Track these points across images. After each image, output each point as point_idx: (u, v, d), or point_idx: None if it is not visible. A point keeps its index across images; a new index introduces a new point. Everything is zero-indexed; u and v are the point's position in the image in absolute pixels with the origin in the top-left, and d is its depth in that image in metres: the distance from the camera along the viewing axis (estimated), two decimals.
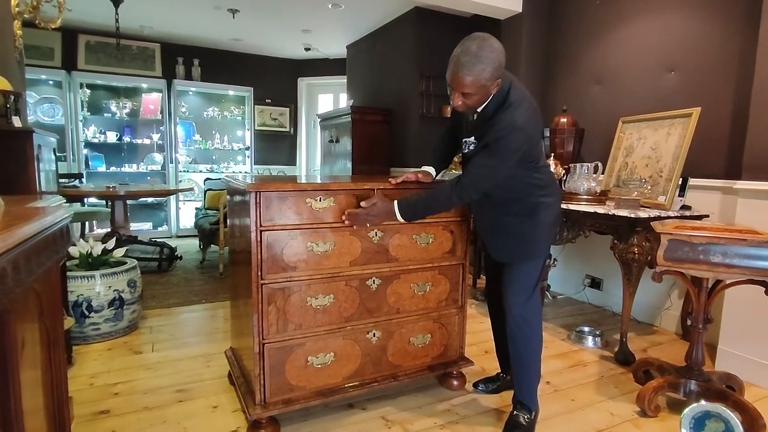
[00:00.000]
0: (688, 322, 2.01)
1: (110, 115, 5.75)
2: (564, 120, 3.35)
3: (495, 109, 1.58)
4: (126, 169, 5.86)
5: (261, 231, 1.60)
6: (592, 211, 2.55)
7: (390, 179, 1.82)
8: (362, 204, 1.69)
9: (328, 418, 1.87)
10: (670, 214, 2.46)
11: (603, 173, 3.00)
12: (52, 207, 1.32)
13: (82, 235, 5.08)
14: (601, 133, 3.33)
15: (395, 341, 1.94)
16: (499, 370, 2.16)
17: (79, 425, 1.76)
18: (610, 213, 2.45)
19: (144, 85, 5.88)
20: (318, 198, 1.68)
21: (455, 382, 2.12)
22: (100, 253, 2.63)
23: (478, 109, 1.63)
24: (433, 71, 4.53)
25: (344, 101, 6.15)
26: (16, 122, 2.01)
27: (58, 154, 5.50)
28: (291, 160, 6.96)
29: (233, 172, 6.29)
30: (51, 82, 5.50)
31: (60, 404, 1.37)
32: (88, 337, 2.53)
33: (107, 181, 5.34)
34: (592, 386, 2.21)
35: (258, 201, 1.58)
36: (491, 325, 2.14)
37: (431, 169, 1.91)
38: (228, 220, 2.13)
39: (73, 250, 2.64)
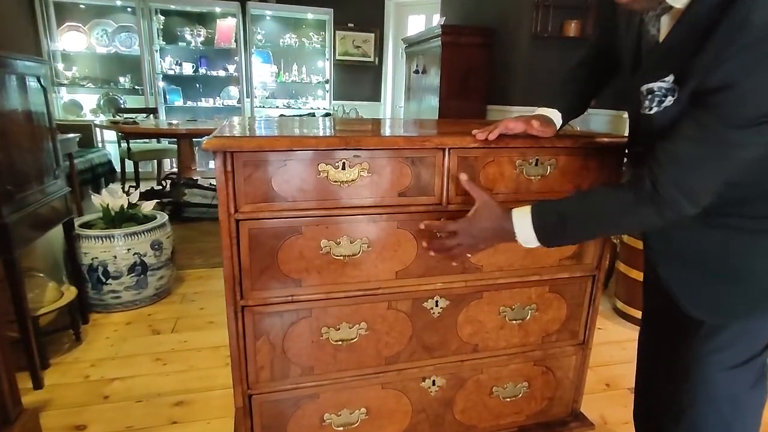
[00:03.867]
0: None
1: (185, 44, 5.38)
2: None
3: (720, 4, 0.66)
4: (203, 103, 5.56)
5: (238, 221, 0.92)
6: None
7: (474, 131, 1.01)
8: (450, 228, 0.95)
9: None
10: None
11: None
12: None
13: (159, 175, 4.93)
14: None
15: (468, 392, 1.22)
16: None
17: None
18: None
19: (218, 10, 5.38)
20: (339, 163, 0.94)
21: None
22: (118, 210, 2.19)
23: (675, 3, 0.72)
24: None
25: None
26: None
27: (135, 87, 5.36)
28: (375, 96, 6.19)
29: (311, 109, 5.72)
30: (129, 9, 5.21)
31: None
32: (108, 305, 2.16)
33: (185, 117, 5.09)
34: None
35: (229, 168, 0.89)
36: (637, 366, 1.29)
37: (553, 114, 1.05)
38: None
39: (96, 201, 2.24)
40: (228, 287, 0.95)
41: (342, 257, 1.00)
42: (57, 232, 1.98)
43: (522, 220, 0.88)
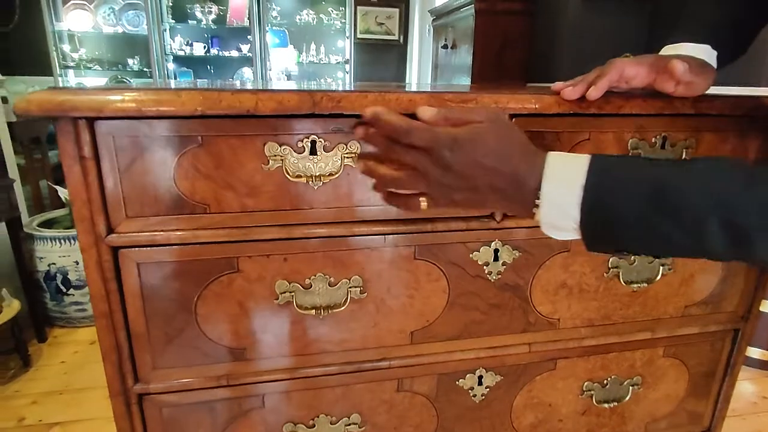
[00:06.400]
0: None
1: (195, 22, 5.01)
2: None
3: None
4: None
5: (116, 250, 0.50)
6: None
7: (558, 85, 0.55)
8: (417, 137, 0.41)
9: None
10: None
11: None
12: None
13: None
14: None
15: None
16: None
17: None
18: None
19: None
20: (304, 143, 0.50)
21: None
22: None
23: None
24: None
25: None
26: None
27: (144, 69, 5.05)
28: (399, 77, 5.70)
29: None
30: None
31: None
32: (72, 319, 1.81)
33: None
34: None
35: (87, 153, 0.46)
36: None
37: (703, 54, 0.57)
38: None
39: (61, 194, 1.88)
40: (108, 365, 0.53)
41: (314, 310, 0.56)
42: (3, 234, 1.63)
43: (562, 174, 0.40)
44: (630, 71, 0.53)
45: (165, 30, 4.97)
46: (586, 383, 0.71)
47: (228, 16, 5.11)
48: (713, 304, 0.71)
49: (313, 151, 0.51)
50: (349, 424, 0.63)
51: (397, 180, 0.44)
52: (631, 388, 0.73)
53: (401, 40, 5.63)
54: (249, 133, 0.49)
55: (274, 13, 5.22)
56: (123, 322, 0.52)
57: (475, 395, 0.67)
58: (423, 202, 0.44)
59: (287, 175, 0.51)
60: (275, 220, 0.52)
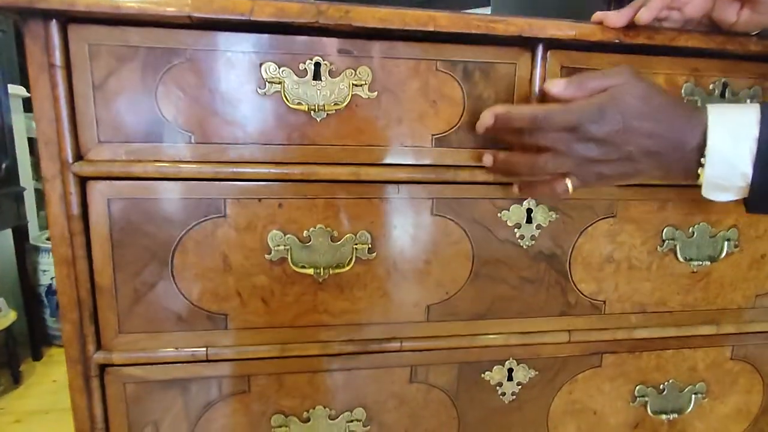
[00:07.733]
0: None
1: None
2: None
3: None
4: None
5: (84, 180, 0.43)
6: None
7: (600, 15, 0.48)
8: (555, 119, 0.39)
9: None
10: None
11: None
12: None
13: None
14: None
15: None
16: None
17: None
18: None
19: None
20: (307, 64, 0.44)
21: None
22: None
23: None
24: None
25: None
26: None
27: None
28: None
29: None
30: None
31: None
32: None
33: None
34: None
35: (57, 60, 0.40)
36: None
37: None
38: None
39: None
40: (67, 325, 0.45)
41: (313, 271, 0.48)
42: (7, 244, 1.59)
43: (730, 126, 0.37)
44: None
45: None
46: (638, 387, 0.59)
47: None
48: None
49: (316, 75, 0.44)
50: (351, 421, 0.52)
51: (538, 165, 0.41)
52: (693, 396, 0.60)
53: None
54: (244, 50, 0.43)
55: None
56: (88, 273, 0.44)
57: (503, 393, 0.55)
58: (568, 183, 0.42)
59: (286, 102, 0.44)
60: (270, 155, 0.45)
